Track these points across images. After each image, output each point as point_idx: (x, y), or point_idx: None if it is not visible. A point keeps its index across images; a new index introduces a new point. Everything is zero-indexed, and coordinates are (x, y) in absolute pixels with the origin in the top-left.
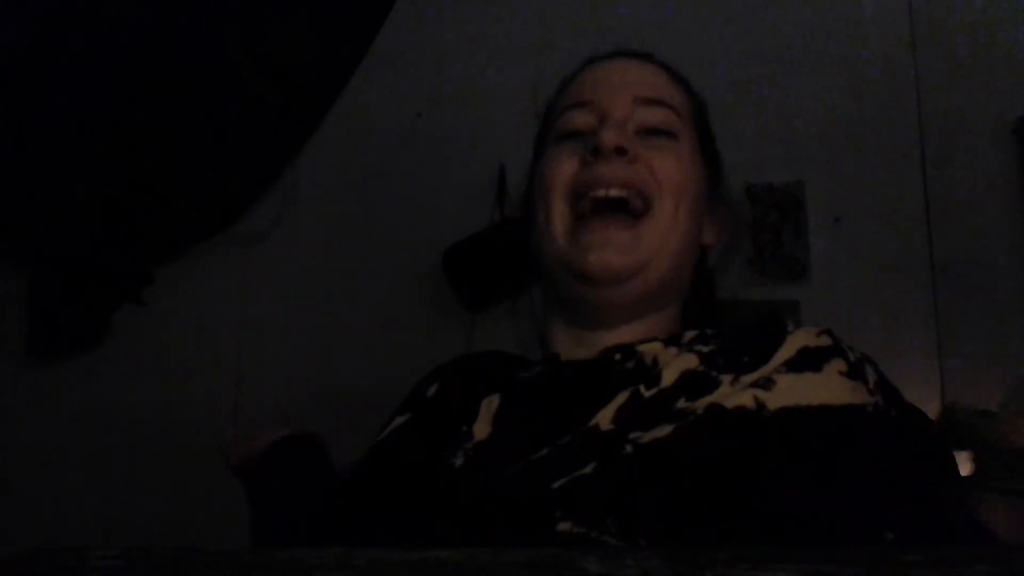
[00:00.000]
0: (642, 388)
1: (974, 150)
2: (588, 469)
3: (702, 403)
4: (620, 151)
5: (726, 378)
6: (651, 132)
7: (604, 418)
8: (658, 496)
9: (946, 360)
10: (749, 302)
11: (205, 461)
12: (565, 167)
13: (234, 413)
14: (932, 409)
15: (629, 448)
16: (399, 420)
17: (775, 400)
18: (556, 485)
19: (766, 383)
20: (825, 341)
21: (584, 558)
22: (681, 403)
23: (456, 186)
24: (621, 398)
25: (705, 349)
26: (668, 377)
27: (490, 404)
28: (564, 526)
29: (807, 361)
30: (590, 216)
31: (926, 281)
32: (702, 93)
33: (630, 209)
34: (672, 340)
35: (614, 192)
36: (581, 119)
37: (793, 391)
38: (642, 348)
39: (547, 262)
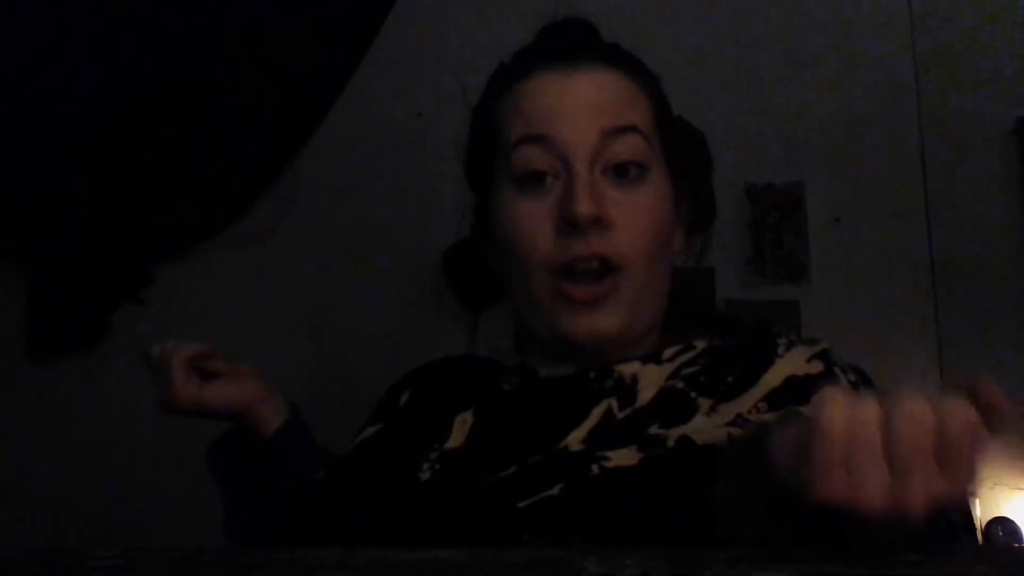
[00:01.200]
0: (615, 406)
1: (974, 150)
2: (555, 490)
3: (675, 433)
4: (597, 221)
5: (704, 403)
6: (618, 170)
7: (575, 439)
8: (623, 518)
9: (946, 360)
10: (749, 302)
11: (204, 461)
12: (539, 239)
13: None
14: None
15: (596, 469)
16: (370, 431)
17: None
18: (522, 505)
19: (742, 425)
20: (816, 367)
21: (584, 558)
22: (654, 428)
23: (456, 186)
24: (594, 418)
25: (686, 362)
26: (644, 396)
27: (464, 422)
28: None
29: (793, 393)
30: (571, 282)
31: (926, 281)
32: (703, 93)
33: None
34: (651, 357)
35: (594, 265)
36: (541, 159)
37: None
38: (620, 368)
39: (525, 314)
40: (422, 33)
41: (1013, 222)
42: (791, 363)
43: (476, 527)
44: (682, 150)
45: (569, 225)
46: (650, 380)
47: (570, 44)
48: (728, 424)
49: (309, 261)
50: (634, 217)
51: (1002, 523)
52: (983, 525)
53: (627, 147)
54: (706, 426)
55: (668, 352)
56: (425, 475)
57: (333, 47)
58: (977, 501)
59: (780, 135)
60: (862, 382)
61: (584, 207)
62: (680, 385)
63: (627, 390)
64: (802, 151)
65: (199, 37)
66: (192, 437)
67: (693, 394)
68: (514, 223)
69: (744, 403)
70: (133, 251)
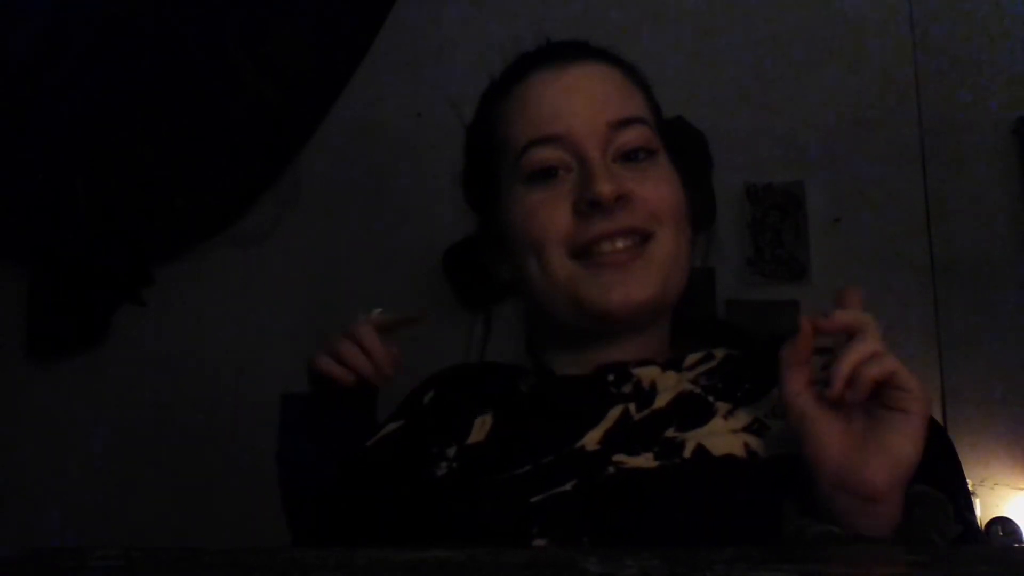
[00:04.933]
0: (633, 409)
1: (974, 150)
2: (568, 486)
3: (692, 438)
4: (619, 199)
5: (722, 407)
6: (628, 156)
7: (591, 439)
8: (635, 518)
9: (946, 360)
10: (749, 302)
11: (205, 461)
12: (556, 220)
13: (234, 413)
14: (933, 409)
15: (612, 469)
16: (391, 427)
17: (766, 448)
18: (534, 500)
19: (759, 429)
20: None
21: (584, 558)
22: (670, 431)
23: (456, 186)
24: (610, 419)
25: (705, 372)
26: (662, 399)
27: (483, 423)
28: (539, 542)
29: None
30: (598, 256)
31: (926, 281)
32: (703, 94)
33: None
34: (671, 364)
35: (620, 244)
36: (553, 156)
37: (786, 438)
38: (639, 372)
39: (547, 301)
40: (421, 34)
41: (1013, 222)
42: None
43: (487, 522)
44: (681, 149)
45: (591, 207)
46: (668, 386)
47: (562, 46)
48: (745, 427)
49: (309, 261)
50: (654, 189)
51: (1002, 523)
52: (983, 525)
53: (634, 136)
54: (723, 429)
55: (689, 360)
56: (442, 471)
57: (333, 47)
58: (977, 501)
59: (780, 135)
60: None
61: (607, 187)
62: (698, 390)
63: (645, 395)
64: (802, 151)
65: (199, 38)
66: (192, 437)
67: (711, 398)
68: (529, 212)
69: (761, 407)
70: (133, 251)
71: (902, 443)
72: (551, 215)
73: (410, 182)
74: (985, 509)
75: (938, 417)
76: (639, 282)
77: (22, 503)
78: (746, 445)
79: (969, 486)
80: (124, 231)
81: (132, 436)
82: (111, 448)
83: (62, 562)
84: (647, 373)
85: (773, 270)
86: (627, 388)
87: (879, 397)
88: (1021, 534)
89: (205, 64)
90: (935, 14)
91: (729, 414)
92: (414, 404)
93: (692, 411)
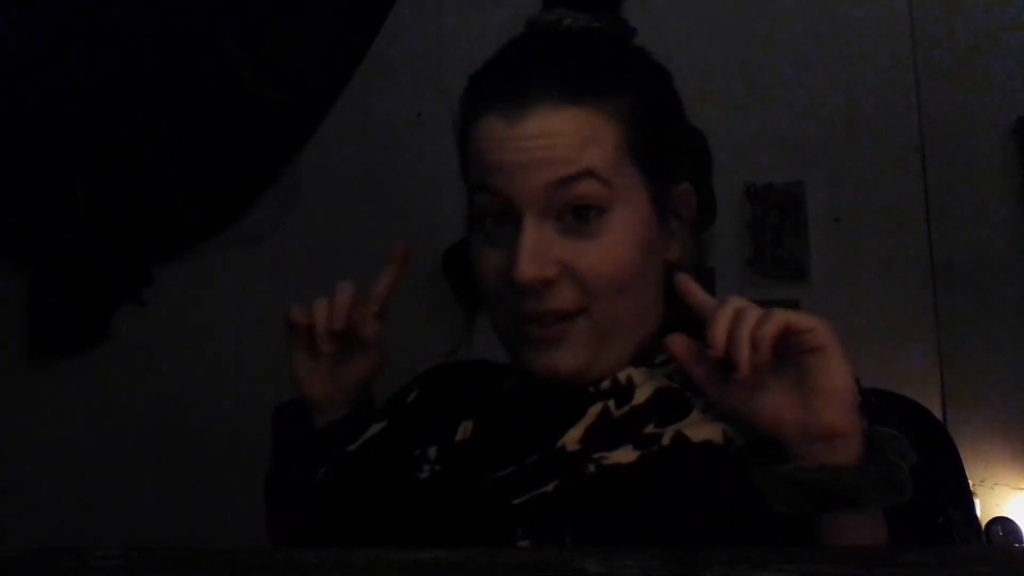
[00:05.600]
0: (612, 406)
1: (974, 150)
2: (550, 487)
3: (670, 431)
4: (544, 283)
5: (699, 400)
6: (578, 212)
7: (572, 438)
8: (617, 516)
9: (946, 360)
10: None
11: (204, 461)
12: (498, 282)
13: (234, 413)
14: (933, 408)
15: (592, 468)
16: (375, 428)
17: (744, 436)
18: (518, 502)
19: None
20: None
21: (583, 558)
22: (650, 428)
23: (456, 186)
24: (590, 416)
25: (678, 367)
26: (640, 395)
27: (466, 427)
28: (523, 544)
29: None
30: (528, 323)
31: (926, 281)
32: (703, 94)
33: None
34: (645, 360)
35: (548, 319)
36: (493, 206)
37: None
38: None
39: (502, 343)
40: (421, 33)
41: (1013, 222)
42: None
43: (471, 524)
44: (683, 151)
45: (515, 288)
46: (644, 380)
47: (523, 79)
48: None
49: (309, 261)
50: (592, 263)
51: (1002, 523)
52: (983, 525)
53: (579, 194)
54: (702, 419)
55: (660, 358)
56: (424, 475)
57: (333, 47)
58: (977, 501)
59: (780, 135)
60: None
61: (525, 274)
62: (675, 385)
63: (623, 391)
64: (802, 151)
65: (199, 38)
66: (192, 437)
67: (688, 393)
68: (479, 271)
69: None
70: (133, 251)
71: (833, 377)
72: (495, 283)
73: (410, 182)
74: (985, 509)
75: (938, 417)
76: (563, 355)
77: (22, 503)
78: (724, 432)
79: (969, 486)
80: (124, 231)
81: (132, 436)
82: (111, 448)
83: (62, 562)
84: (625, 371)
85: (773, 270)
86: (605, 385)
87: (788, 350)
88: (1021, 534)
89: (205, 64)
90: (935, 14)
91: (707, 407)
92: (398, 403)
93: (671, 406)
